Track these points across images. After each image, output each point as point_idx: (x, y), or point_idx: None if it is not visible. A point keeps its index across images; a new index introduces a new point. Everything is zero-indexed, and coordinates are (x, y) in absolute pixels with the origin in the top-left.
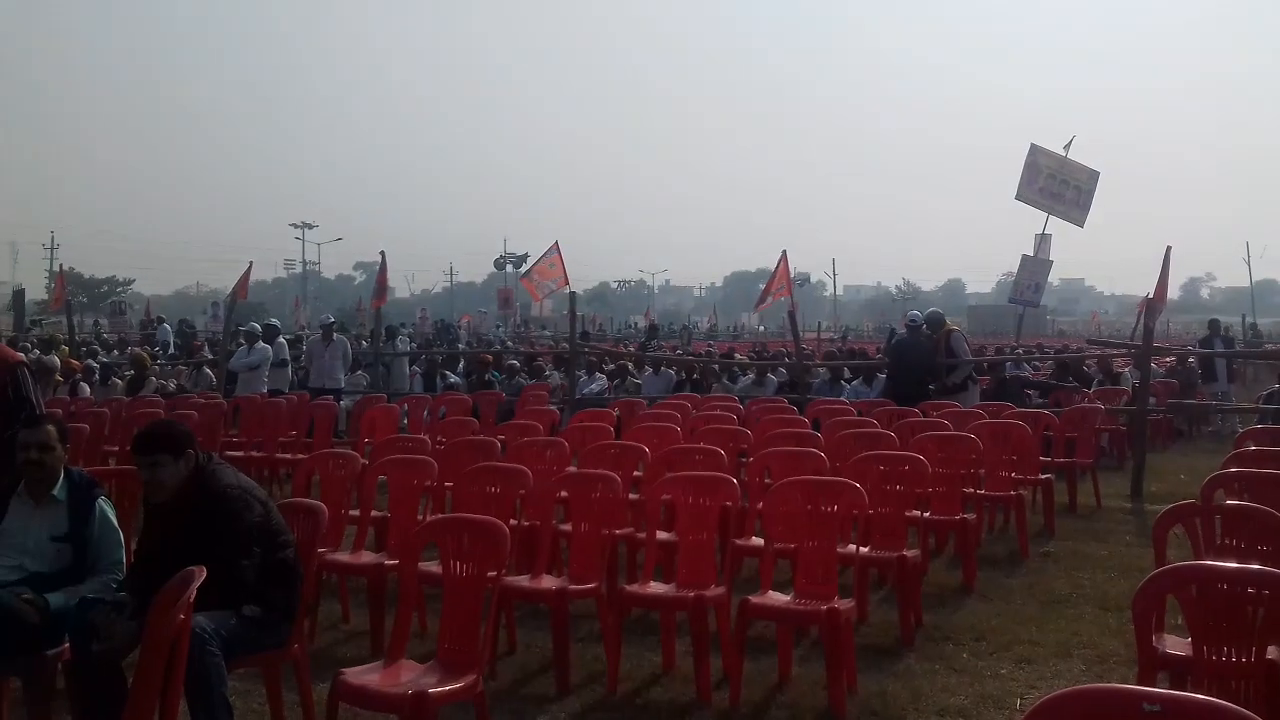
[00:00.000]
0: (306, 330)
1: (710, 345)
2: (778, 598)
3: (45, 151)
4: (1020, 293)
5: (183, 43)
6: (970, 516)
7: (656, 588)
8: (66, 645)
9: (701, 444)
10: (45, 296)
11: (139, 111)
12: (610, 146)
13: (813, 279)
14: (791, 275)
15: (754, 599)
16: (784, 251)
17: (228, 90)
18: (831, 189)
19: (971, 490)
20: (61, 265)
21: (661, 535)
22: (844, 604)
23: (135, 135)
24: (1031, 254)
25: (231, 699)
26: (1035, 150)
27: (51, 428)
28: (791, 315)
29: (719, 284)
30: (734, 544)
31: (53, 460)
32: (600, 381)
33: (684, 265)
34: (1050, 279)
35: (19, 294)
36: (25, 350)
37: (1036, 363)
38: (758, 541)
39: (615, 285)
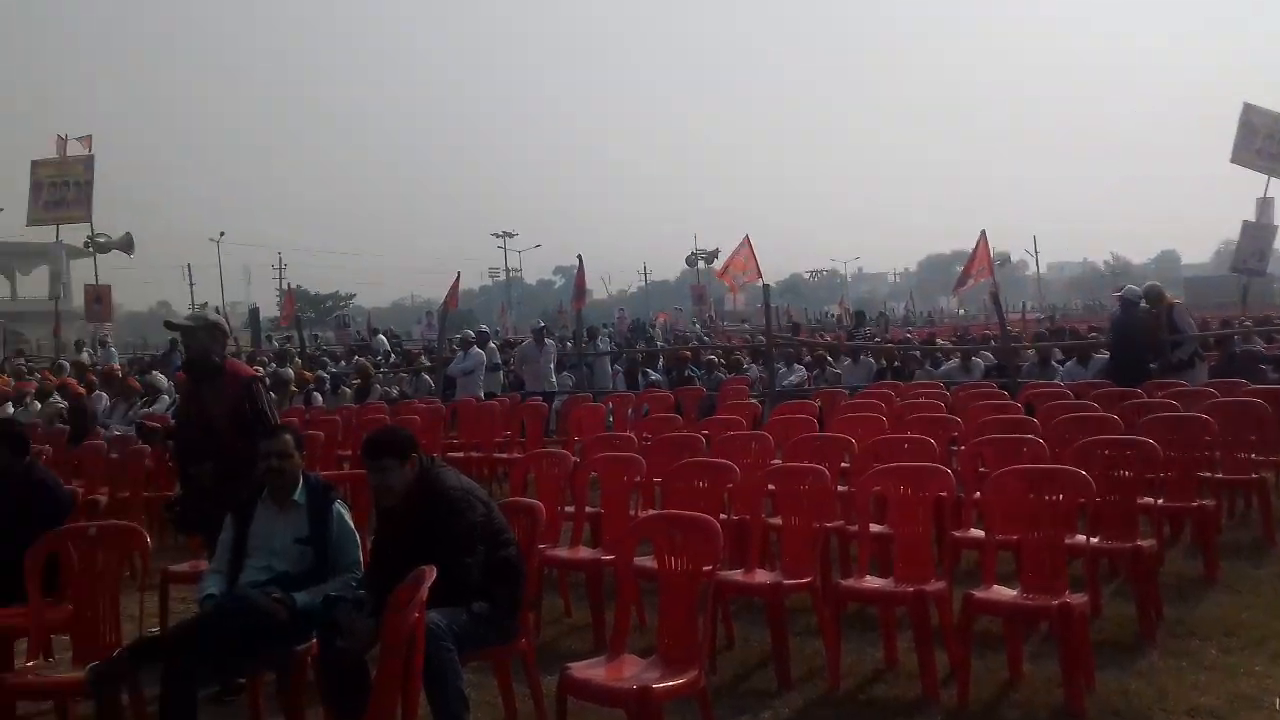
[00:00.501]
0: (514, 335)
1: (909, 331)
2: (1004, 592)
3: (275, 177)
4: (1243, 261)
5: (389, 66)
6: (1208, 503)
7: (873, 582)
8: (314, 641)
9: (909, 433)
10: (277, 313)
11: (355, 138)
12: (795, 139)
13: (1013, 258)
14: (991, 255)
15: (978, 594)
16: (983, 231)
17: (429, 111)
18: (1027, 163)
19: (1207, 474)
20: (289, 284)
21: (874, 528)
22: (1076, 598)
23: (355, 157)
24: (1253, 220)
25: (466, 691)
26: (1249, 110)
27: (288, 436)
28: (995, 296)
29: (913, 269)
30: (952, 536)
31: (291, 467)
32: (799, 373)
33: (876, 252)
34: (1277, 245)
35: (254, 312)
36: (263, 364)
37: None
38: (977, 533)
39: (808, 275)
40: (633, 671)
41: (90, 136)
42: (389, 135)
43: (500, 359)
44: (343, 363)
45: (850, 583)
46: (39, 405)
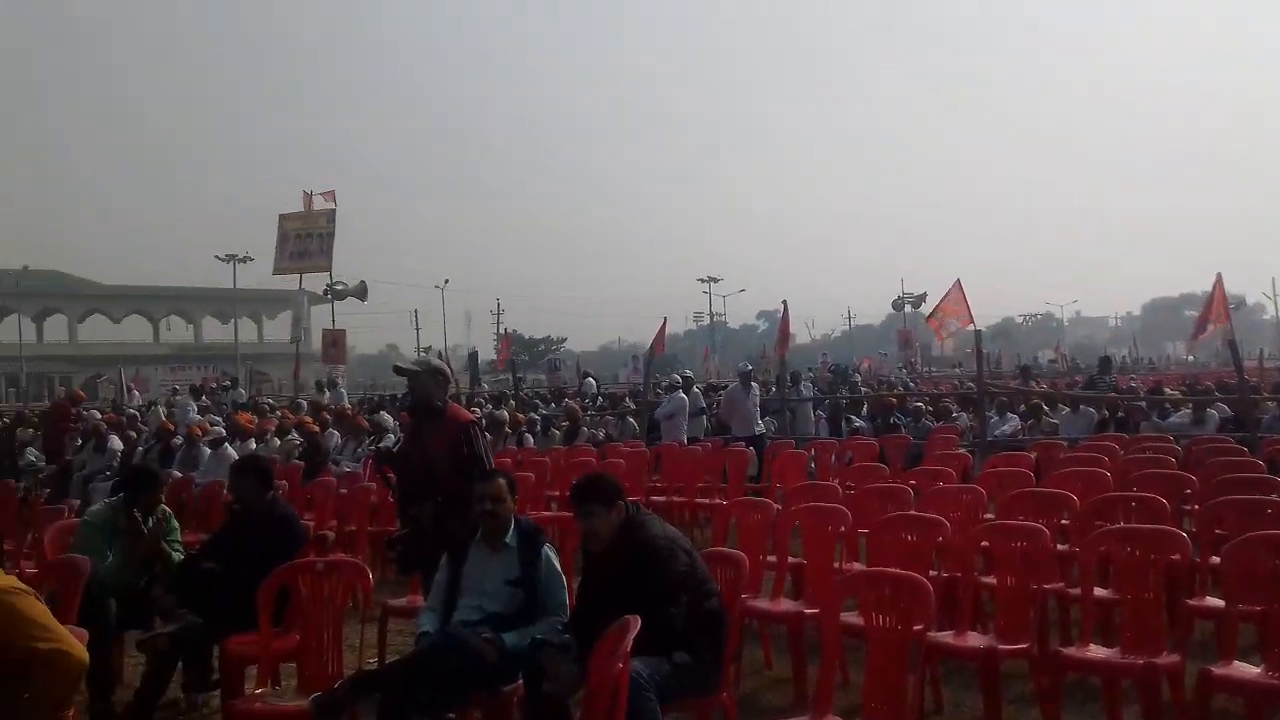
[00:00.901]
0: (717, 379)
1: (1132, 379)
2: (1246, 669)
3: (490, 225)
4: None
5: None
6: None
7: (1098, 651)
8: (520, 683)
9: (1136, 490)
10: (494, 356)
11: (570, 186)
12: (1004, 177)
13: (1249, 301)
14: (1227, 298)
15: (1217, 670)
16: (1219, 275)
17: (637, 156)
18: (1262, 198)
19: None
20: (506, 328)
21: (1098, 592)
22: None
23: (564, 205)
24: None
25: None
26: None
27: (502, 481)
28: (1232, 343)
29: (1136, 312)
30: (1186, 605)
31: (504, 511)
32: (1013, 422)
33: (1096, 295)
34: None
35: (473, 356)
36: (480, 405)
37: None
38: (1214, 603)
39: (1020, 319)
40: None
41: (333, 191)
42: (600, 182)
43: (704, 404)
44: (552, 405)
45: (1073, 651)
46: (278, 441)
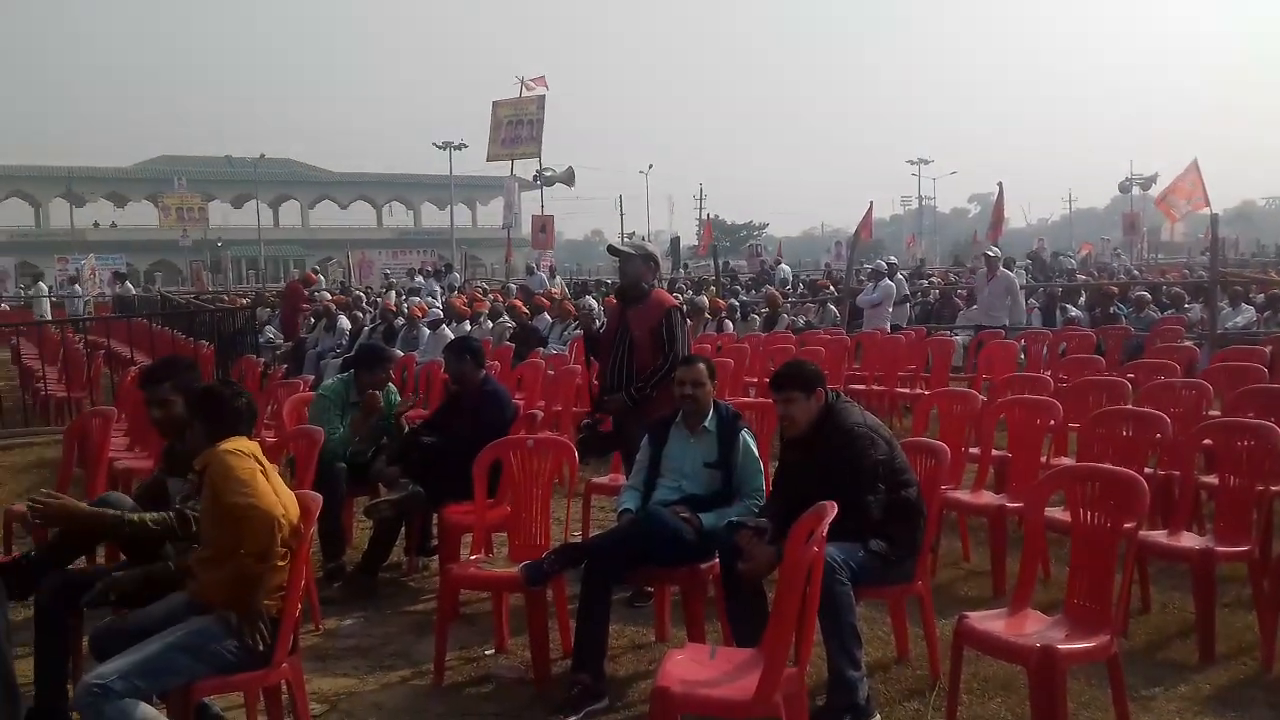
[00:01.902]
0: (924, 265)
1: None
2: None
3: (694, 110)
4: None
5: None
6: None
7: None
8: (716, 561)
9: None
10: (695, 242)
11: (769, 70)
12: (1245, 48)
13: None
14: None
15: None
16: None
17: (843, 33)
18: None
19: None
20: (708, 214)
21: None
22: None
23: (771, 90)
24: None
25: (859, 627)
26: None
27: (702, 365)
28: None
29: None
30: None
31: (704, 395)
32: (1247, 313)
33: None
34: None
35: (675, 241)
36: (680, 292)
37: None
38: None
39: (1262, 202)
40: (1036, 628)
41: (544, 77)
42: (800, 64)
43: (909, 291)
44: (752, 291)
45: None
46: (491, 324)
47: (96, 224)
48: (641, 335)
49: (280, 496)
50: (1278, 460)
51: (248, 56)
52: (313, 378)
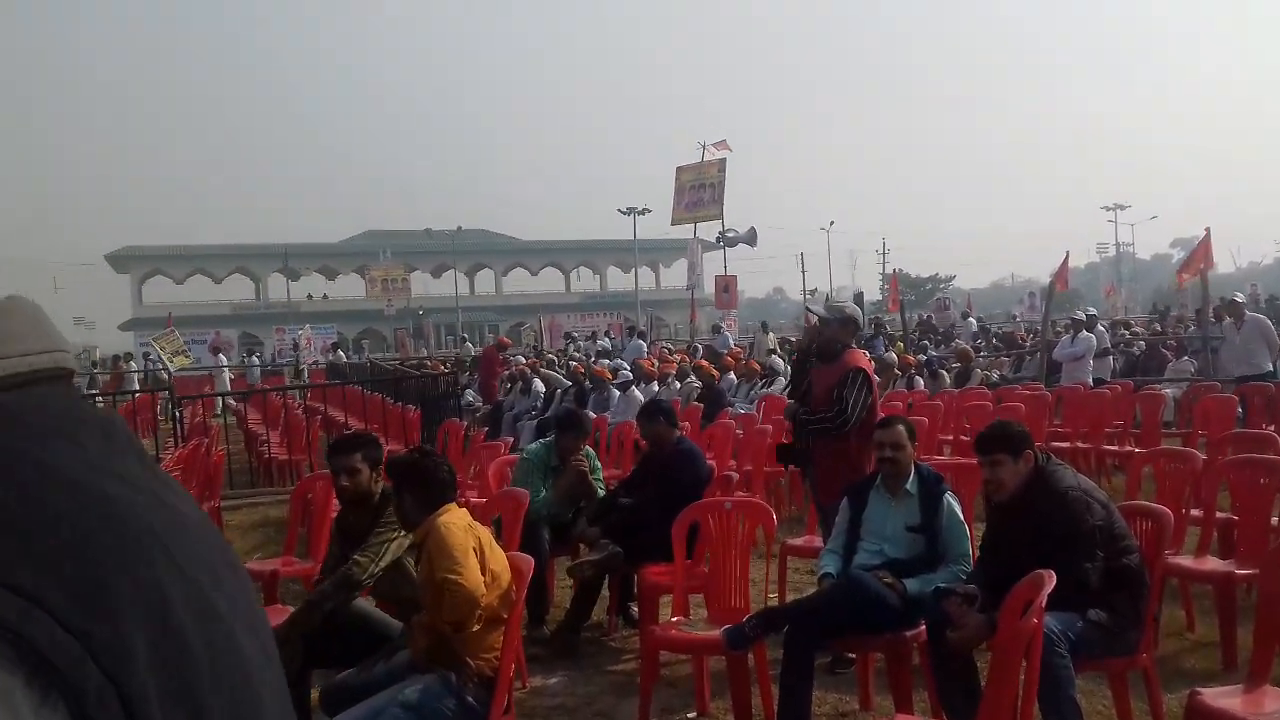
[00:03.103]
0: (1124, 315)
1: None
2: None
3: (876, 162)
4: None
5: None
6: None
7: None
8: (923, 628)
9: None
10: (880, 297)
11: (954, 119)
12: None
13: None
14: None
15: None
16: None
17: (1034, 79)
18: None
19: None
20: (894, 268)
21: None
22: None
23: (956, 138)
24: None
25: (1080, 701)
26: None
27: (901, 427)
28: None
29: None
30: None
31: (904, 457)
32: None
33: None
34: None
35: (859, 296)
36: (871, 349)
37: None
38: None
39: None
40: (1277, 707)
41: (725, 140)
42: (990, 111)
43: (1110, 342)
44: (942, 345)
45: None
46: (678, 385)
47: (310, 296)
48: (820, 392)
49: (494, 561)
50: None
51: (445, 135)
52: (511, 440)
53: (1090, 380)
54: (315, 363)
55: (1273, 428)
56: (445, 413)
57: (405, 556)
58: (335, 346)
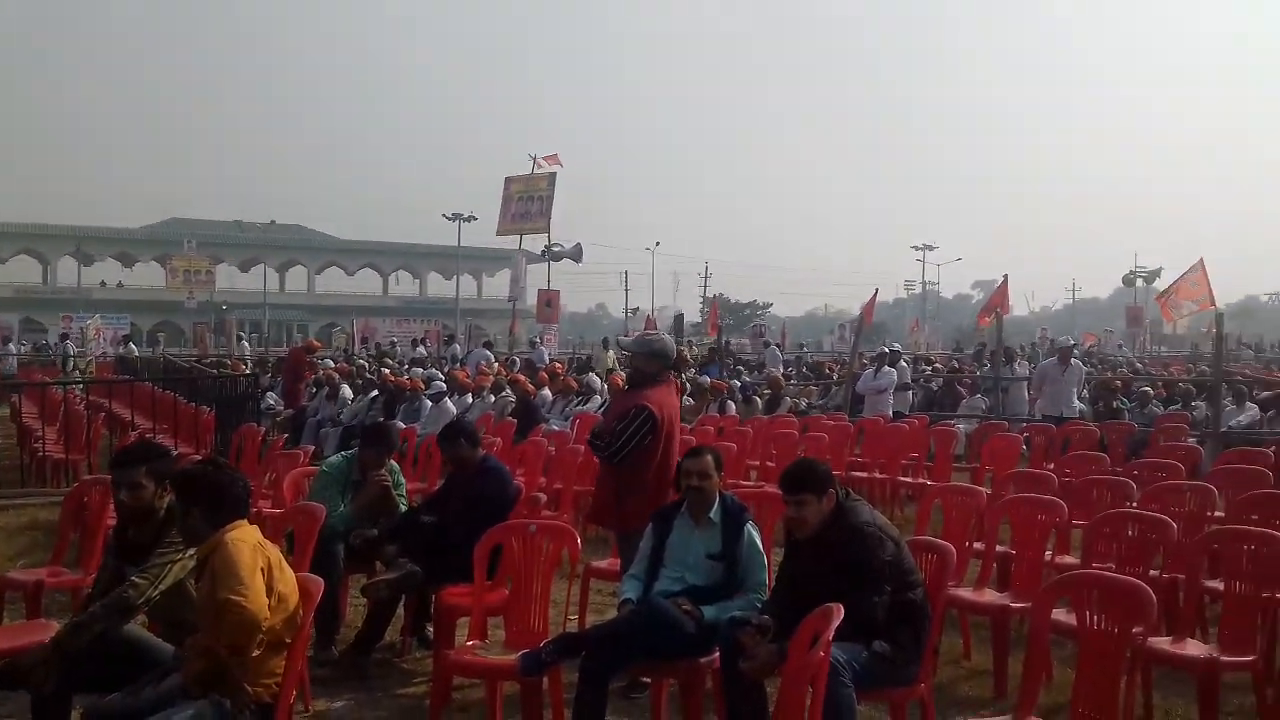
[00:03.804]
0: (926, 350)
1: None
2: None
3: (702, 189)
4: None
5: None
6: None
7: None
8: (716, 655)
9: None
10: (700, 320)
11: (778, 151)
12: (1250, 147)
13: None
14: None
15: None
16: None
17: (847, 119)
18: None
19: None
20: (715, 293)
21: None
22: None
23: (776, 169)
24: None
25: None
26: None
27: (709, 457)
28: None
29: None
30: None
31: (710, 486)
32: (1251, 412)
33: None
34: None
35: (679, 318)
36: (709, 374)
37: None
38: None
39: (1266, 298)
40: None
41: (556, 155)
42: (816, 145)
43: (910, 377)
44: (756, 372)
45: None
46: (493, 398)
47: (103, 283)
48: (610, 418)
49: (282, 582)
50: None
51: (261, 122)
52: (313, 447)
53: (890, 413)
54: (104, 355)
55: (1052, 467)
56: (243, 416)
57: (188, 579)
58: (127, 339)
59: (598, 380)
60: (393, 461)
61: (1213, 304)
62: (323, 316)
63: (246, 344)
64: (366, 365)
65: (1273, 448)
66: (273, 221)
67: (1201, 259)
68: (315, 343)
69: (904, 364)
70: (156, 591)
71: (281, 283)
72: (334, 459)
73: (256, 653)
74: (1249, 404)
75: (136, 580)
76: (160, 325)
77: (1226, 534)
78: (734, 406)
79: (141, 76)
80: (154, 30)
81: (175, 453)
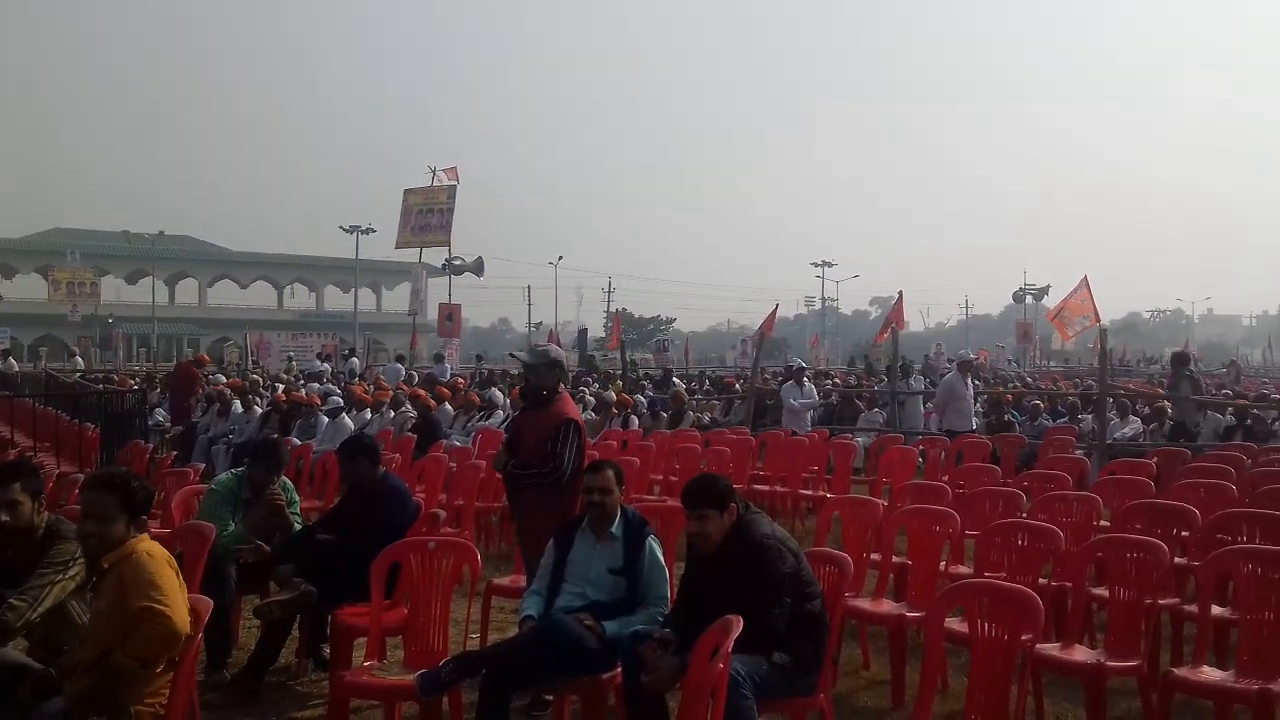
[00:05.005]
0: (826, 365)
1: (1265, 383)
2: None
3: (605, 205)
4: None
5: (705, 100)
6: None
7: (1212, 673)
8: (618, 670)
9: (1264, 507)
10: (604, 334)
11: (682, 172)
12: (1135, 169)
13: None
14: None
15: None
16: None
17: (749, 140)
18: None
19: None
20: (618, 308)
21: (1216, 611)
22: None
23: (682, 188)
24: None
25: None
26: None
27: (610, 472)
28: None
29: (1273, 312)
30: None
31: (611, 502)
32: (1134, 425)
33: (1231, 292)
34: None
35: (583, 333)
36: (588, 384)
37: None
38: None
39: (1148, 315)
40: None
41: (455, 168)
42: (711, 162)
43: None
44: (659, 388)
45: (1185, 672)
46: (393, 413)
47: None
48: (530, 441)
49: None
50: (1165, 575)
51: (150, 131)
52: (203, 465)
53: (809, 428)
54: None
55: (946, 479)
56: (130, 433)
57: (69, 600)
58: (6, 353)
59: (500, 396)
60: (286, 479)
61: (1099, 320)
62: (215, 330)
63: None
64: (260, 380)
65: (1155, 459)
66: (161, 232)
67: (1085, 277)
68: (205, 357)
69: (805, 379)
70: (36, 614)
71: (171, 295)
72: (223, 477)
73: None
74: (1132, 417)
75: (14, 602)
76: (42, 340)
77: (1111, 542)
78: (637, 421)
79: (22, 79)
80: (34, 34)
81: (58, 472)
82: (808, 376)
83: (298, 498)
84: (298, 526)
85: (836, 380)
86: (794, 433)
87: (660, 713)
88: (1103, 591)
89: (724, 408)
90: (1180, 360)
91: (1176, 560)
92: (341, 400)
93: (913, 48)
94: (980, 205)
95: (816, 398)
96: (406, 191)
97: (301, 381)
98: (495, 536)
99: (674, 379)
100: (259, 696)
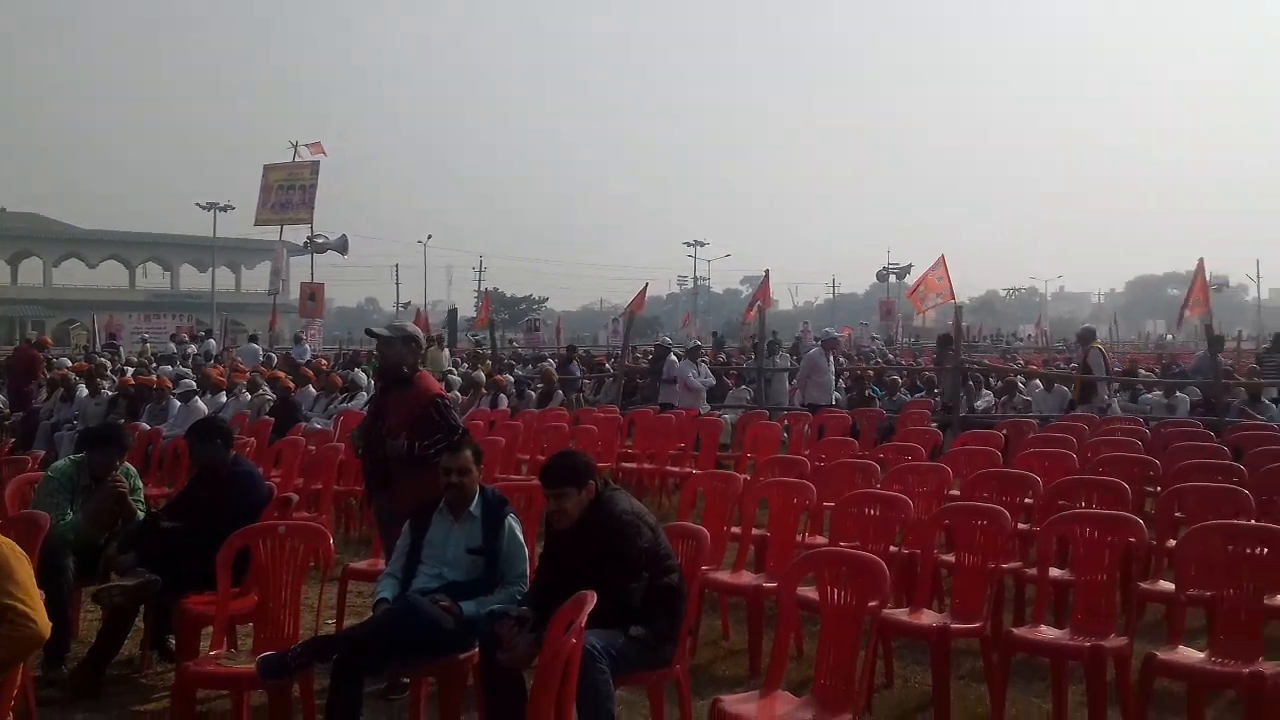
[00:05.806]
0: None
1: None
2: (1190, 654)
3: (475, 182)
4: None
5: (588, 83)
6: None
7: (1048, 632)
8: (476, 651)
9: (1102, 472)
10: (474, 314)
11: (556, 150)
12: (991, 151)
13: (1231, 282)
14: (1208, 281)
15: (1162, 655)
16: (1200, 261)
17: (622, 120)
18: (1255, 177)
19: None
20: (488, 287)
21: (1054, 573)
22: (1271, 667)
23: (556, 169)
24: None
25: (618, 710)
26: None
27: (469, 452)
28: (1209, 328)
29: (1120, 289)
30: (1138, 588)
31: (469, 482)
32: (986, 398)
33: (1081, 270)
34: None
35: (452, 312)
36: (457, 364)
37: None
38: (1166, 586)
39: (1004, 293)
40: (785, 710)
41: (319, 143)
42: (588, 145)
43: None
44: (530, 366)
45: (1023, 632)
46: (249, 396)
47: None
48: (398, 421)
49: None
50: (1008, 541)
51: None
52: (44, 453)
53: (708, 406)
54: None
55: (808, 452)
56: None
57: None
58: None
59: (364, 376)
60: (129, 465)
61: (953, 297)
62: (61, 312)
63: None
64: (108, 364)
65: (1004, 430)
66: (3, 209)
67: (943, 256)
68: (47, 339)
69: (673, 358)
70: None
71: (14, 275)
72: (61, 464)
73: None
74: (985, 391)
75: None
76: None
77: (958, 510)
78: (505, 400)
79: None
80: None
81: None
82: (676, 353)
83: (141, 484)
84: (141, 514)
85: (706, 357)
86: (700, 413)
87: (517, 691)
88: (950, 557)
89: (594, 386)
90: (943, 342)
91: (1020, 526)
92: (194, 383)
93: (769, 34)
94: (848, 189)
95: (712, 377)
96: (267, 167)
97: (154, 364)
98: (356, 521)
99: (548, 359)
100: (100, 691)
